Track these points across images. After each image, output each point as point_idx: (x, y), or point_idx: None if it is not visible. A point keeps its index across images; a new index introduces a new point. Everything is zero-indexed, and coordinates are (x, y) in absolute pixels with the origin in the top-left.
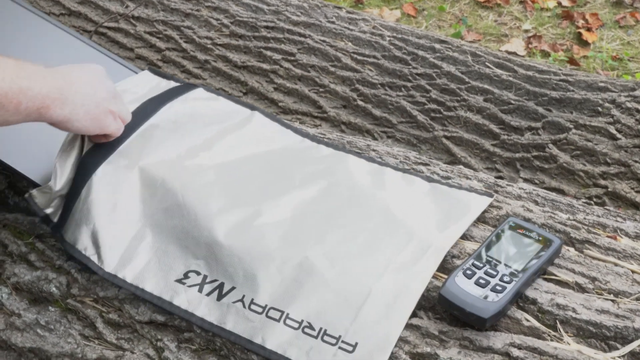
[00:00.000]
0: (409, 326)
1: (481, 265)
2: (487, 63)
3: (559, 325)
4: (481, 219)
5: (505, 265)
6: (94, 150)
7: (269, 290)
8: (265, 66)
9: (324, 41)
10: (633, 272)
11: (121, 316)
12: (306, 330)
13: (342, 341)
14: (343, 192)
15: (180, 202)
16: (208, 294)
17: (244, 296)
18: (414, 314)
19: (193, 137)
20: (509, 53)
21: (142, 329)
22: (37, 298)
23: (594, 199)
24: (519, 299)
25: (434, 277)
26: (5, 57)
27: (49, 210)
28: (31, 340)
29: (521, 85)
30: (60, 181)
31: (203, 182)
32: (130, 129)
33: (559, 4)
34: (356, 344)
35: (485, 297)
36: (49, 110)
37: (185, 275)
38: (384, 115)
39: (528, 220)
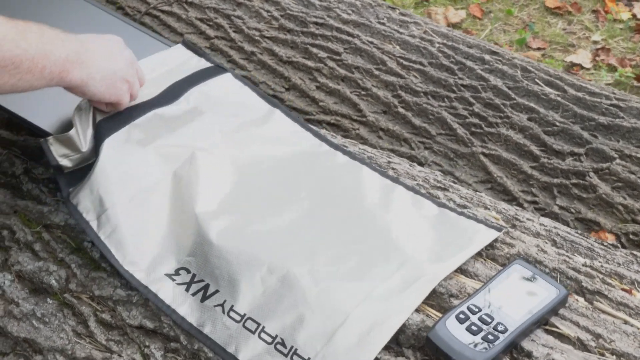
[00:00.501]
0: None
1: (477, 310)
2: (536, 80)
3: None
4: (490, 256)
5: (503, 312)
6: (108, 118)
7: (249, 299)
8: (310, 63)
9: (371, 42)
10: None
11: (114, 317)
12: (278, 346)
13: None
14: (346, 207)
15: (183, 194)
16: (194, 294)
17: (225, 301)
18: (400, 353)
19: (211, 128)
20: (574, 65)
21: (132, 332)
22: (37, 288)
23: (631, 236)
24: (514, 350)
25: (427, 314)
26: (28, 22)
27: (63, 162)
28: (26, 330)
29: (569, 107)
30: (87, 143)
31: (209, 178)
32: (150, 105)
33: (634, 16)
34: None
35: (475, 346)
36: (69, 74)
37: (176, 272)
38: (423, 125)
39: (538, 263)
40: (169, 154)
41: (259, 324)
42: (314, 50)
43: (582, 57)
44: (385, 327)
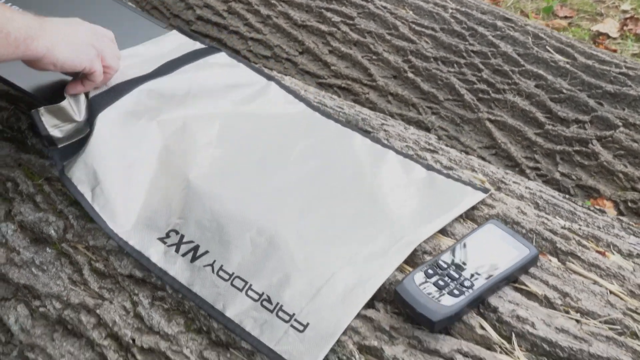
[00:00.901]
0: (363, 317)
1: (445, 266)
2: (547, 47)
3: (513, 338)
4: (470, 216)
5: (471, 269)
6: (102, 93)
7: (238, 259)
8: (323, 27)
9: (385, 7)
10: (610, 292)
11: (107, 266)
12: (264, 303)
13: (295, 319)
14: (337, 172)
15: (175, 162)
16: (183, 255)
17: (214, 261)
18: (371, 305)
19: (205, 100)
20: (600, 34)
21: (122, 281)
22: (37, 238)
23: (629, 204)
24: (481, 305)
25: (401, 270)
26: None
27: (53, 132)
28: (25, 277)
29: (577, 75)
30: (81, 113)
31: (200, 145)
32: (143, 79)
33: None
34: (307, 324)
35: (439, 300)
36: (34, 40)
37: (167, 235)
38: (431, 90)
39: (516, 224)
40: (161, 125)
41: (246, 282)
42: (328, 14)
43: (610, 26)
44: (368, 285)
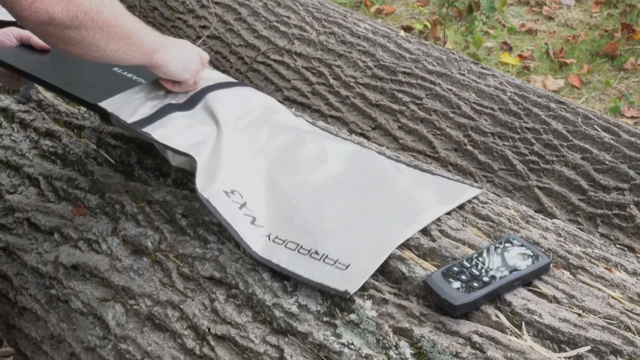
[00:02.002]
0: (398, 305)
1: (468, 266)
2: (595, 126)
3: (523, 325)
4: (495, 236)
5: (490, 269)
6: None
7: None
8: (394, 106)
9: (450, 90)
10: (611, 297)
11: (191, 271)
12: (313, 255)
13: (339, 262)
14: (367, 172)
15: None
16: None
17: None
18: (405, 298)
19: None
20: None
21: (204, 282)
22: (137, 249)
23: None
24: (498, 300)
25: (432, 271)
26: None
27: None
28: (124, 280)
29: (620, 149)
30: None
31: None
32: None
33: None
34: (349, 264)
35: (460, 290)
36: (157, 53)
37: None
38: (487, 161)
39: (536, 244)
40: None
41: (298, 244)
42: (400, 95)
43: None
44: (392, 241)
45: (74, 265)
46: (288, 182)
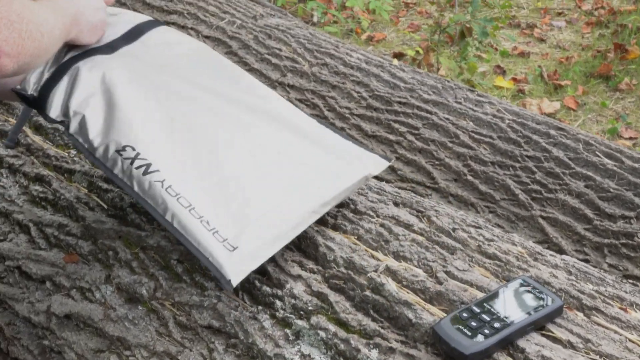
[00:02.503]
0: (406, 355)
1: (478, 311)
2: (597, 152)
3: None
4: (506, 278)
5: (501, 314)
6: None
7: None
8: (391, 137)
9: (447, 119)
10: (629, 340)
11: (188, 320)
12: (204, 223)
13: (228, 242)
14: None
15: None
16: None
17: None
18: (414, 346)
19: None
20: None
21: (202, 331)
22: (131, 297)
23: None
24: (510, 346)
25: (440, 317)
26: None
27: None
28: (119, 330)
29: (624, 176)
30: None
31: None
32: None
33: None
34: (236, 247)
35: (471, 337)
36: (69, 33)
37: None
38: (489, 191)
39: (547, 284)
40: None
41: (190, 204)
42: (396, 125)
43: None
44: (289, 234)
45: (66, 314)
46: (199, 127)
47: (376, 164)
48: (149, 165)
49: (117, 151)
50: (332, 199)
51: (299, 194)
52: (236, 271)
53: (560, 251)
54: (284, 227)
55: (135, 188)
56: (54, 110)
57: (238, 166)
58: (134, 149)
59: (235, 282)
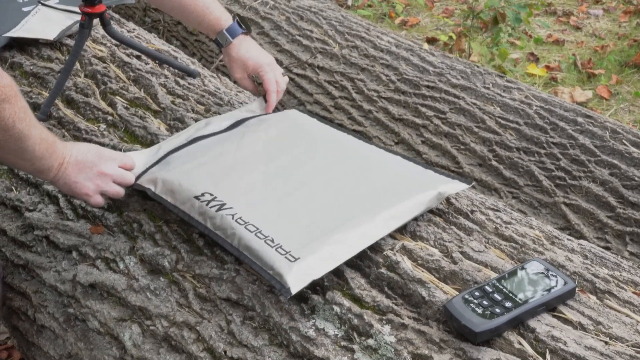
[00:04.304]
0: (417, 331)
1: (490, 290)
2: (624, 140)
3: (547, 354)
4: (520, 259)
5: (513, 294)
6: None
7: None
8: (418, 120)
9: (474, 103)
10: (639, 323)
11: (208, 292)
12: (268, 241)
13: (290, 254)
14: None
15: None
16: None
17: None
18: (425, 323)
19: None
20: None
21: (220, 303)
22: (154, 269)
23: None
24: (521, 326)
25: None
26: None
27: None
28: (141, 300)
29: None
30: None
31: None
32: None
33: None
34: (298, 258)
35: (482, 316)
36: (46, 175)
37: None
38: (512, 176)
39: (561, 267)
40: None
41: (257, 228)
42: (423, 109)
43: None
44: (350, 249)
45: (91, 284)
46: (263, 170)
47: (453, 185)
48: (223, 204)
49: (196, 197)
50: (396, 216)
51: (362, 213)
52: (296, 280)
53: (582, 238)
54: (347, 242)
55: (208, 224)
56: None
57: (308, 197)
58: (211, 194)
59: (294, 290)
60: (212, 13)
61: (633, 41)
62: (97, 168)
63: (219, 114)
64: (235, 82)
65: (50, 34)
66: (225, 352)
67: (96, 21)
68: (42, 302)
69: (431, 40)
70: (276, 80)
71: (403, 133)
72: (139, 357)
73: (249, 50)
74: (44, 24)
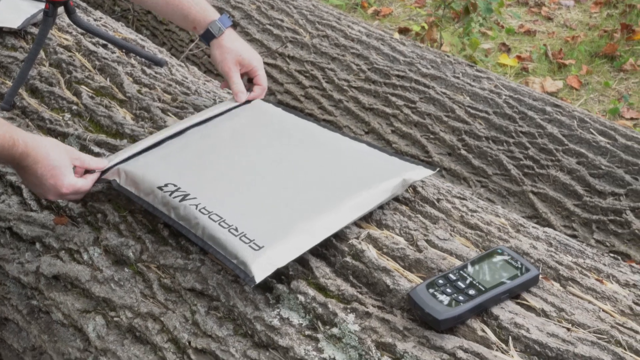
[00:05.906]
0: (381, 319)
1: (454, 278)
2: (591, 129)
3: (510, 340)
4: (485, 248)
5: (476, 282)
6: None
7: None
8: (388, 110)
9: (444, 93)
10: (602, 310)
11: (173, 282)
12: (232, 230)
13: (254, 242)
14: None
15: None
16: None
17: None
18: (389, 311)
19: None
20: None
21: (185, 294)
22: (118, 260)
23: None
24: (484, 313)
25: (417, 283)
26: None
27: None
28: (105, 291)
29: (616, 153)
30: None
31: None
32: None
33: None
34: (263, 246)
35: (445, 304)
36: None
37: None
38: (481, 165)
39: (526, 254)
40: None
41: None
42: (393, 98)
43: None
44: (316, 237)
45: (55, 275)
46: (227, 160)
47: (418, 172)
48: (186, 194)
49: (159, 187)
50: (360, 204)
51: (327, 202)
52: (260, 268)
53: (549, 226)
54: (312, 230)
55: (172, 215)
56: None
57: (272, 186)
58: (175, 185)
59: (259, 278)
60: (199, 4)
61: (603, 32)
62: (49, 184)
63: (186, 103)
64: (219, 74)
65: (15, 23)
66: (189, 342)
67: (61, 9)
68: (6, 294)
69: (403, 31)
70: None
71: (373, 122)
72: (103, 348)
73: (242, 42)
74: (8, 12)
